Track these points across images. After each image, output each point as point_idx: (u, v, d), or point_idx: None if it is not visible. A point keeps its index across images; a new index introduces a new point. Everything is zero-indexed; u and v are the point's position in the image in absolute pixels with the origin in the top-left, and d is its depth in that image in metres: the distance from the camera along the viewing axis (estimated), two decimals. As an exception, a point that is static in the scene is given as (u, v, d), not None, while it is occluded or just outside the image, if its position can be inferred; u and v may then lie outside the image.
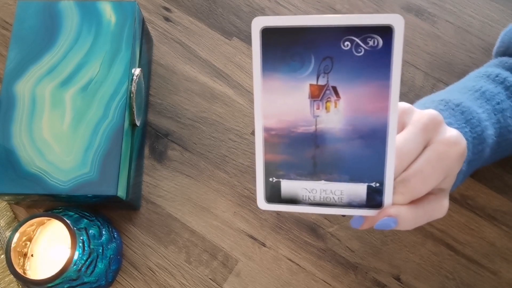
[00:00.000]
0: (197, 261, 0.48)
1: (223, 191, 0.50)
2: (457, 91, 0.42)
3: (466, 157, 0.36)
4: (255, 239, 0.49)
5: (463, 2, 0.57)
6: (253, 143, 0.52)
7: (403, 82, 0.54)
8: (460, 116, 0.38)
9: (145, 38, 0.52)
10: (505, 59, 0.45)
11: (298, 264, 0.48)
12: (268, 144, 0.31)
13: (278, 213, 0.49)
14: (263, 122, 0.31)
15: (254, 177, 0.51)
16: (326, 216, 0.49)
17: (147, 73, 0.53)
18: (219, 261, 0.48)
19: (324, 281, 0.47)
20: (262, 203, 0.32)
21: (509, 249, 0.47)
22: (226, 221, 0.49)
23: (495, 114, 0.40)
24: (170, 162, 0.51)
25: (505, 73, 0.42)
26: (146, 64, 0.53)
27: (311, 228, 0.49)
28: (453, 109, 0.38)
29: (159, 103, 0.54)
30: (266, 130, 0.31)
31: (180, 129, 0.53)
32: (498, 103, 0.40)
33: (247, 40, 0.56)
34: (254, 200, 0.50)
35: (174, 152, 0.52)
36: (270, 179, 0.32)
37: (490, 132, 0.39)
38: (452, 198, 0.49)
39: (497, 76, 0.42)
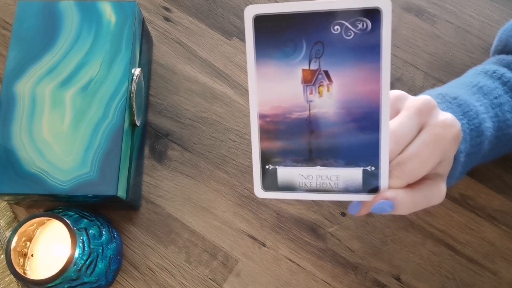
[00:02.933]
0: (197, 261, 0.48)
1: (223, 191, 0.50)
2: (455, 87, 0.42)
3: (464, 149, 0.37)
4: (255, 239, 0.49)
5: (463, 2, 0.57)
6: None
7: (403, 82, 0.54)
8: (457, 109, 0.38)
9: (145, 38, 0.52)
10: (502, 56, 0.45)
11: (298, 264, 0.48)
12: (264, 131, 0.31)
13: (278, 212, 0.49)
14: (257, 109, 0.31)
15: (253, 179, 0.51)
16: (326, 216, 0.49)
17: (147, 73, 0.53)
18: (219, 261, 0.48)
19: (324, 281, 0.47)
20: (259, 191, 0.32)
21: (509, 249, 0.47)
22: (226, 221, 0.49)
23: (492, 108, 0.40)
24: (170, 162, 0.51)
25: (502, 70, 0.43)
26: (146, 64, 0.53)
27: (311, 228, 0.49)
28: (450, 102, 0.39)
29: (159, 103, 0.54)
30: (261, 117, 0.31)
31: (180, 129, 0.53)
32: (496, 98, 0.41)
33: (247, 40, 0.56)
34: (254, 200, 0.50)
35: (174, 152, 0.52)
36: (267, 167, 0.32)
37: (488, 125, 0.39)
38: (452, 198, 0.49)
39: (494, 72, 0.42)
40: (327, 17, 0.28)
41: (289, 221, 0.49)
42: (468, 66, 0.53)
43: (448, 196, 0.49)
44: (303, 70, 0.29)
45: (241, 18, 0.57)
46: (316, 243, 0.48)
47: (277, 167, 0.32)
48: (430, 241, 0.48)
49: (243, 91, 0.54)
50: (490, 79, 0.42)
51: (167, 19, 0.57)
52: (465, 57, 0.54)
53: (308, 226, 0.49)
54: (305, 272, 0.48)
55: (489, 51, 0.51)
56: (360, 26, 0.28)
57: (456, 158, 0.36)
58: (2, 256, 0.48)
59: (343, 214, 0.49)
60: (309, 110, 0.30)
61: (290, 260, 0.48)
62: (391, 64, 0.54)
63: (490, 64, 0.45)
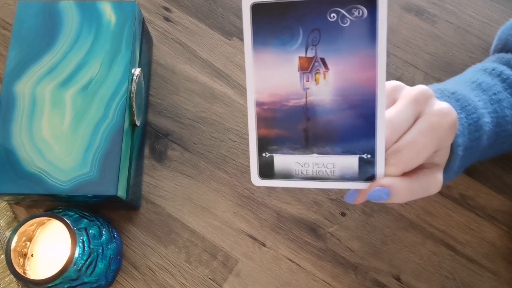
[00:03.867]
0: (197, 261, 0.48)
1: (223, 191, 0.50)
2: (453, 83, 0.42)
3: (463, 143, 0.37)
4: (255, 239, 0.49)
5: (463, 2, 0.57)
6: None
7: (403, 82, 0.54)
8: (455, 103, 0.38)
9: (145, 38, 0.52)
10: (502, 54, 0.45)
11: (298, 264, 0.48)
12: (261, 119, 0.31)
13: (278, 212, 0.49)
14: (255, 97, 0.31)
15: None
16: (326, 216, 0.49)
17: (147, 73, 0.53)
18: (219, 261, 0.48)
19: (324, 281, 0.47)
20: (256, 179, 0.32)
21: (509, 249, 0.47)
22: (226, 221, 0.49)
23: (491, 104, 0.40)
24: (170, 162, 0.51)
25: (501, 67, 0.43)
26: (146, 64, 0.53)
27: (311, 228, 0.49)
28: (448, 97, 0.39)
29: (159, 103, 0.54)
30: (258, 104, 0.31)
31: (180, 129, 0.53)
32: (495, 94, 0.41)
33: (247, 40, 0.56)
34: (254, 200, 0.50)
35: (174, 152, 0.52)
36: (263, 155, 0.32)
37: (487, 120, 0.39)
38: (452, 198, 0.49)
39: (493, 69, 0.43)
40: (323, 4, 0.28)
41: (289, 221, 0.49)
42: (468, 66, 0.53)
43: (448, 196, 0.49)
44: (300, 57, 0.30)
45: (241, 18, 0.57)
46: (316, 243, 0.48)
47: (273, 154, 0.32)
48: (430, 241, 0.48)
49: (243, 91, 0.54)
50: (489, 76, 0.42)
51: (167, 19, 0.57)
52: (465, 57, 0.54)
53: (308, 226, 0.49)
54: (305, 272, 0.48)
55: (489, 51, 0.51)
56: (356, 13, 0.28)
57: (454, 151, 0.36)
58: (2, 256, 0.48)
59: (343, 214, 0.49)
60: (306, 98, 0.30)
61: (290, 260, 0.48)
62: (391, 64, 0.54)
63: (490, 62, 0.45)
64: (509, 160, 0.50)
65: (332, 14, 0.28)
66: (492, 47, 0.49)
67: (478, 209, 0.49)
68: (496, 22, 0.55)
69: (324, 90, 0.30)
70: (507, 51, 0.46)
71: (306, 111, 0.30)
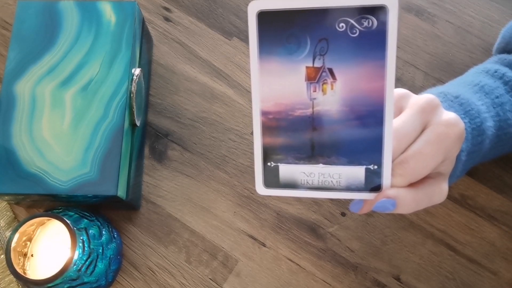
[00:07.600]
0: (197, 261, 0.48)
1: (223, 191, 0.50)
2: (456, 85, 0.42)
3: (466, 148, 0.37)
4: (255, 239, 0.49)
5: (463, 2, 0.57)
6: (253, 143, 0.52)
7: (403, 82, 0.54)
8: (459, 108, 0.38)
9: (145, 38, 0.52)
10: (504, 56, 0.45)
11: (298, 264, 0.48)
12: (266, 128, 0.31)
13: (278, 212, 0.49)
14: (260, 106, 0.31)
15: (254, 177, 0.51)
16: (326, 216, 0.49)
17: (147, 73, 0.53)
18: (219, 261, 0.48)
19: (324, 281, 0.47)
20: (260, 188, 0.32)
21: (509, 249, 0.47)
22: (226, 221, 0.49)
23: (494, 107, 0.40)
24: (170, 162, 0.51)
25: (503, 69, 0.43)
26: (146, 64, 0.53)
27: (311, 228, 0.49)
28: (451, 101, 0.39)
29: (159, 103, 0.54)
30: (264, 113, 0.31)
31: (180, 129, 0.53)
32: (497, 97, 0.41)
33: (247, 40, 0.56)
34: (254, 200, 0.50)
35: (174, 152, 0.52)
36: (269, 164, 0.32)
37: (490, 124, 0.39)
38: (452, 198, 0.49)
39: (495, 71, 0.42)
40: (332, 14, 0.28)
41: (289, 221, 0.49)
42: (468, 66, 0.53)
43: (448, 196, 0.49)
44: (307, 67, 0.29)
45: (241, 18, 0.57)
46: (316, 243, 0.48)
47: (279, 164, 0.32)
48: (430, 241, 0.48)
49: (243, 91, 0.54)
50: (492, 79, 0.42)
51: (167, 19, 0.57)
52: (465, 57, 0.54)
53: (308, 226, 0.49)
54: (305, 272, 0.48)
55: (489, 51, 0.51)
56: (365, 23, 0.28)
57: (457, 157, 0.36)
58: (2, 256, 0.48)
59: (343, 214, 0.49)
60: (312, 108, 0.30)
61: (290, 260, 0.48)
62: (391, 64, 0.54)
63: (492, 64, 0.45)
64: (509, 160, 0.50)
65: (341, 24, 0.28)
66: (495, 46, 0.49)
67: (478, 209, 0.49)
68: (496, 22, 0.55)
69: (331, 100, 0.30)
70: (509, 51, 0.46)
71: (313, 121, 0.30)
